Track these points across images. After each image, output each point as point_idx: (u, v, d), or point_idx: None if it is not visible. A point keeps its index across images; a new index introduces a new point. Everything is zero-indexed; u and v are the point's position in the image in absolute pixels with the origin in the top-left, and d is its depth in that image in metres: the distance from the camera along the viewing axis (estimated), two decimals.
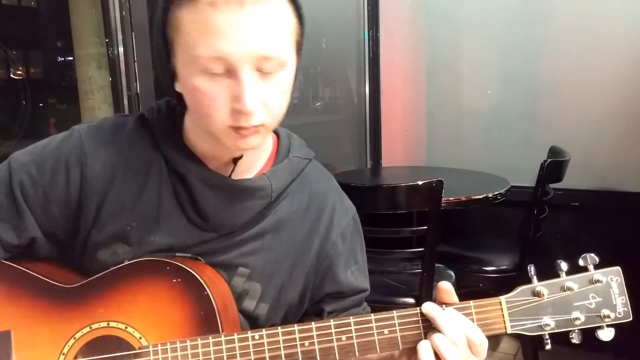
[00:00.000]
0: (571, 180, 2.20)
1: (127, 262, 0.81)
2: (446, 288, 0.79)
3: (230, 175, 0.85)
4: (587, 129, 2.51)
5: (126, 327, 0.79)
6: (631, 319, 0.77)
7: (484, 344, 0.74)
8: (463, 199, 2.02)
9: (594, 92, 2.48)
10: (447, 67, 2.90)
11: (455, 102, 2.89)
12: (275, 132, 0.94)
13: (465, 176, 2.56)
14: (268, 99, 0.73)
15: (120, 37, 1.95)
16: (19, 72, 2.22)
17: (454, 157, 2.85)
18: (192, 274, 0.79)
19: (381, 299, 1.83)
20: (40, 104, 2.30)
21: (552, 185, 2.13)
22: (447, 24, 2.86)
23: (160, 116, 0.86)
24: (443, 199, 1.69)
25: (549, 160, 2.03)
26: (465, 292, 2.22)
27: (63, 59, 2.35)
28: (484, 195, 2.04)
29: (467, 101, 2.85)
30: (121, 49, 1.95)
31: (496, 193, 2.07)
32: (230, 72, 0.71)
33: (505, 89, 2.73)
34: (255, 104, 0.71)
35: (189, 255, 0.85)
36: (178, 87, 0.78)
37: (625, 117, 2.43)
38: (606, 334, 0.76)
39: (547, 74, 2.60)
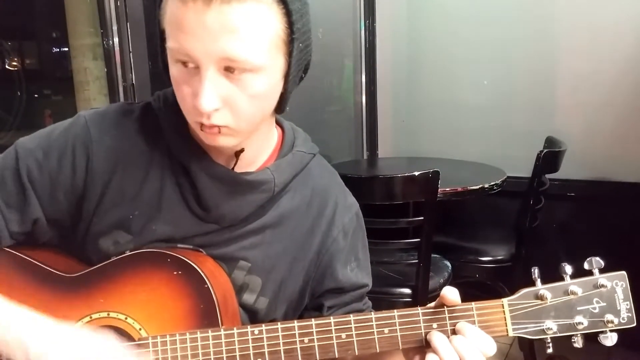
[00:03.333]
0: (567, 170, 2.22)
1: (128, 253, 0.82)
2: (452, 299, 0.75)
3: (233, 168, 0.85)
4: (583, 120, 2.52)
5: (126, 318, 0.79)
6: (635, 324, 0.76)
7: None
8: (459, 189, 2.02)
9: (590, 82, 2.49)
10: (443, 57, 2.90)
11: (451, 93, 2.89)
12: (280, 125, 0.94)
13: (461, 167, 2.56)
14: (233, 101, 0.72)
15: (115, 27, 1.94)
16: (14, 63, 2.21)
17: (450, 147, 2.86)
18: (193, 267, 0.79)
19: (378, 290, 1.83)
20: (36, 95, 2.29)
21: (548, 176, 2.13)
22: (444, 14, 2.86)
23: (166, 106, 0.86)
24: (439, 190, 1.69)
25: (545, 150, 2.04)
26: (462, 283, 2.24)
27: (58, 49, 2.34)
28: (480, 185, 2.05)
29: (463, 92, 2.85)
30: (116, 40, 1.95)
31: (492, 183, 2.08)
32: (198, 69, 0.71)
33: (502, 80, 2.73)
34: (211, 103, 0.70)
35: (190, 246, 0.85)
36: None
37: (621, 108, 2.44)
38: (609, 340, 0.75)
39: (543, 65, 2.60)
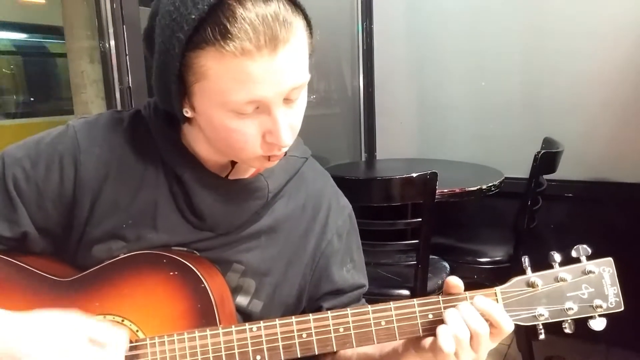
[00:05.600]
0: (565, 171, 2.22)
1: (123, 255, 0.81)
2: (455, 283, 0.78)
3: (227, 176, 0.85)
4: (581, 120, 2.52)
5: (123, 321, 0.79)
6: (623, 309, 0.77)
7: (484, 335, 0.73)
8: (457, 190, 2.02)
9: (587, 83, 2.49)
10: (441, 59, 2.90)
11: (449, 94, 2.89)
12: None
13: (459, 168, 2.56)
14: (295, 123, 0.75)
15: (111, 30, 1.94)
16: (12, 67, 2.21)
17: (448, 149, 2.86)
18: (189, 267, 0.79)
19: (376, 291, 1.84)
20: (32, 99, 2.28)
21: (545, 177, 2.14)
22: (441, 16, 2.86)
23: (156, 114, 0.85)
24: (437, 191, 1.69)
25: (543, 151, 2.04)
26: None
27: None
28: (478, 187, 2.05)
29: (461, 93, 2.86)
30: (112, 43, 1.94)
31: (490, 185, 2.08)
32: (261, 109, 0.71)
33: (499, 81, 2.73)
34: (289, 136, 0.73)
35: (185, 249, 0.84)
36: (189, 114, 0.76)
37: (618, 108, 2.44)
38: (598, 324, 0.77)
39: (541, 65, 2.61)
